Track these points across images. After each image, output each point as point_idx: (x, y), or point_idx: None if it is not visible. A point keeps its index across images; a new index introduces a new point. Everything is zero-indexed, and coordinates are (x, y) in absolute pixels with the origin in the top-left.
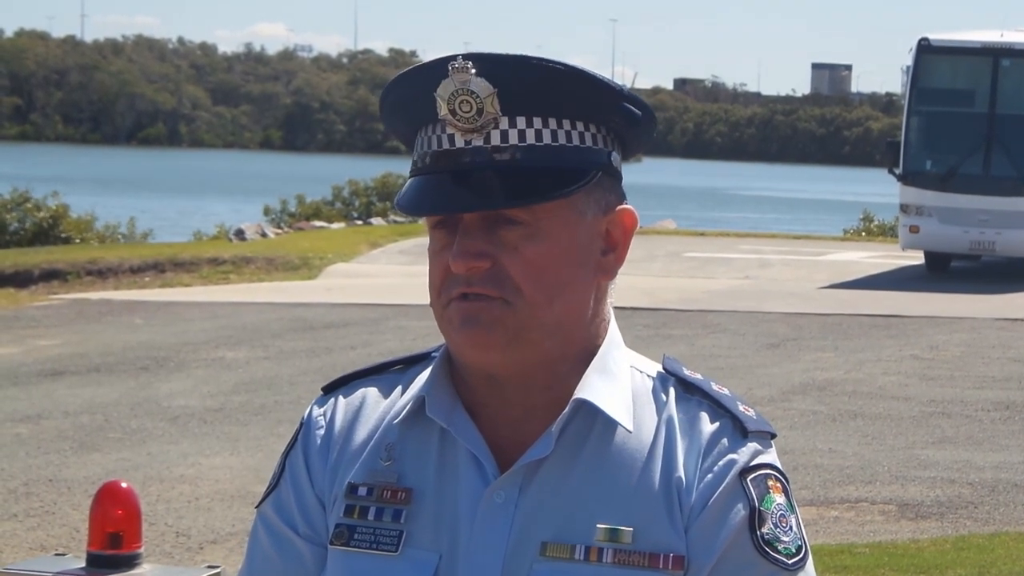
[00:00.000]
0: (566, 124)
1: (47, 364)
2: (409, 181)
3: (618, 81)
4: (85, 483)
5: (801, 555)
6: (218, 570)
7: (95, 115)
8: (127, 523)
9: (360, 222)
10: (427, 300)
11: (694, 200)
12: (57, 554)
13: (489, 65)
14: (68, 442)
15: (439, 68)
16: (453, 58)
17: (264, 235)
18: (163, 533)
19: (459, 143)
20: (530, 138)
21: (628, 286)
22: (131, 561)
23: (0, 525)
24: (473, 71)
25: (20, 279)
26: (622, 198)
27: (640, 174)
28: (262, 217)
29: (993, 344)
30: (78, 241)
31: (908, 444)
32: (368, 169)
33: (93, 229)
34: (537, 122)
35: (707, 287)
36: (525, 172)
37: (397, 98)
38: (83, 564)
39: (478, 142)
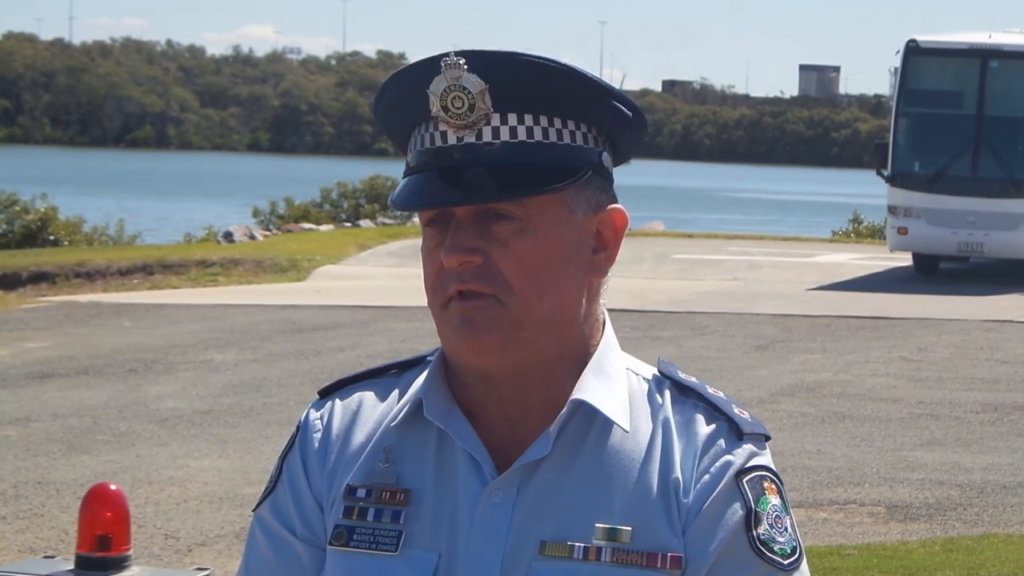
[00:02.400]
0: (557, 122)
1: (35, 366)
2: (403, 180)
3: (608, 82)
4: (74, 485)
5: (796, 556)
6: (207, 572)
7: (83, 117)
8: (116, 525)
9: (348, 224)
10: (416, 302)
11: (682, 202)
12: (46, 556)
13: (481, 61)
14: (57, 444)
15: (432, 65)
16: (446, 55)
17: (252, 237)
18: (152, 535)
19: (451, 140)
20: (521, 135)
21: (616, 288)
22: (120, 563)
23: None
24: (465, 67)
25: (8, 282)
26: (613, 199)
27: (628, 176)
28: (250, 219)
29: (981, 346)
30: (66, 243)
31: (897, 446)
32: (356, 171)
33: (81, 231)
34: (528, 119)
35: (695, 289)
36: (516, 168)
37: (392, 97)
38: (72, 566)
39: (470, 139)
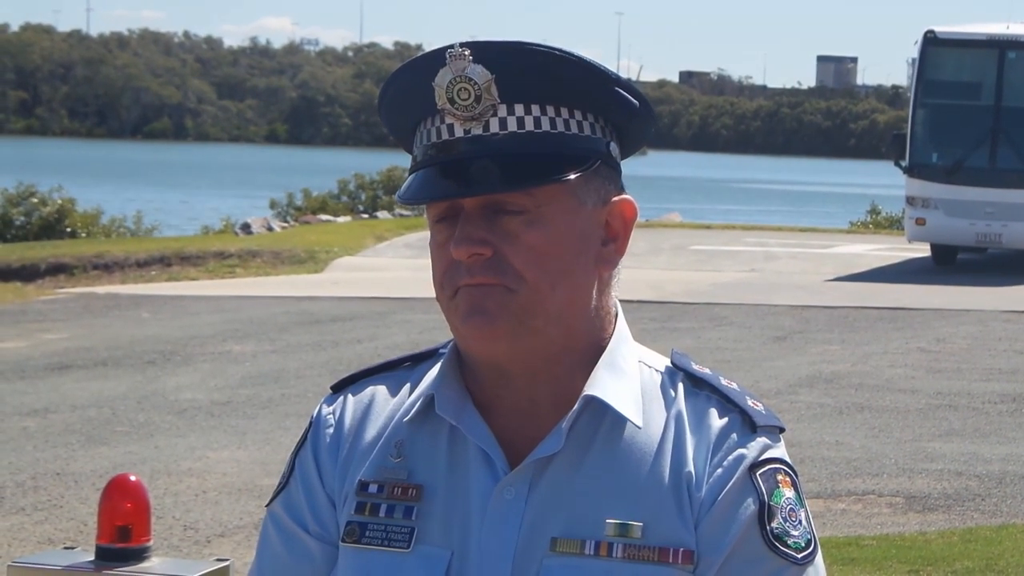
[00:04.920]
0: (564, 112)
1: (54, 358)
2: (410, 176)
3: (621, 73)
4: (92, 476)
5: (810, 549)
6: (227, 563)
7: (101, 109)
8: (136, 516)
9: (366, 216)
10: (433, 293)
11: (700, 193)
12: (66, 547)
13: (486, 52)
14: (75, 436)
15: (437, 58)
16: (450, 46)
17: (270, 229)
18: (171, 526)
19: (458, 133)
20: (528, 125)
21: (634, 279)
22: (140, 554)
23: (8, 519)
24: (471, 58)
25: (26, 273)
26: (622, 189)
27: (646, 167)
28: (268, 211)
29: (999, 336)
30: (84, 235)
31: (915, 436)
32: (373, 163)
33: (99, 223)
34: (535, 109)
35: (713, 280)
36: (523, 158)
37: (396, 92)
38: (92, 557)
39: (477, 131)
